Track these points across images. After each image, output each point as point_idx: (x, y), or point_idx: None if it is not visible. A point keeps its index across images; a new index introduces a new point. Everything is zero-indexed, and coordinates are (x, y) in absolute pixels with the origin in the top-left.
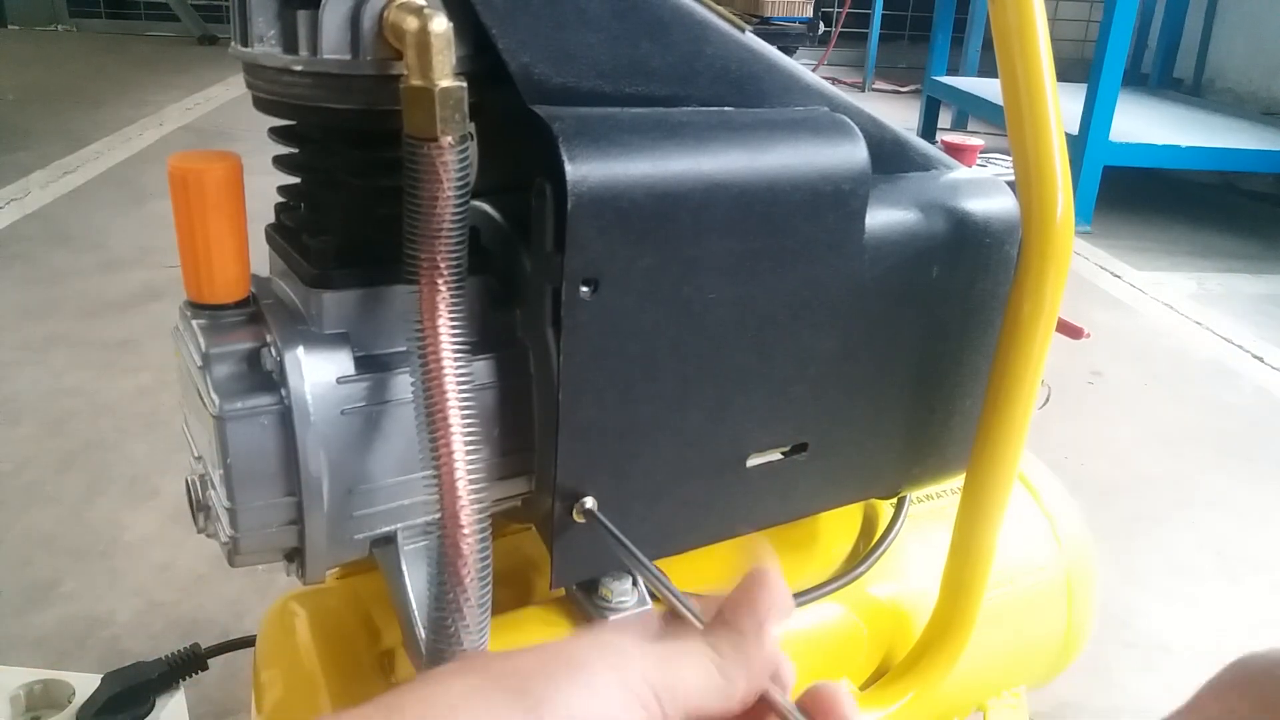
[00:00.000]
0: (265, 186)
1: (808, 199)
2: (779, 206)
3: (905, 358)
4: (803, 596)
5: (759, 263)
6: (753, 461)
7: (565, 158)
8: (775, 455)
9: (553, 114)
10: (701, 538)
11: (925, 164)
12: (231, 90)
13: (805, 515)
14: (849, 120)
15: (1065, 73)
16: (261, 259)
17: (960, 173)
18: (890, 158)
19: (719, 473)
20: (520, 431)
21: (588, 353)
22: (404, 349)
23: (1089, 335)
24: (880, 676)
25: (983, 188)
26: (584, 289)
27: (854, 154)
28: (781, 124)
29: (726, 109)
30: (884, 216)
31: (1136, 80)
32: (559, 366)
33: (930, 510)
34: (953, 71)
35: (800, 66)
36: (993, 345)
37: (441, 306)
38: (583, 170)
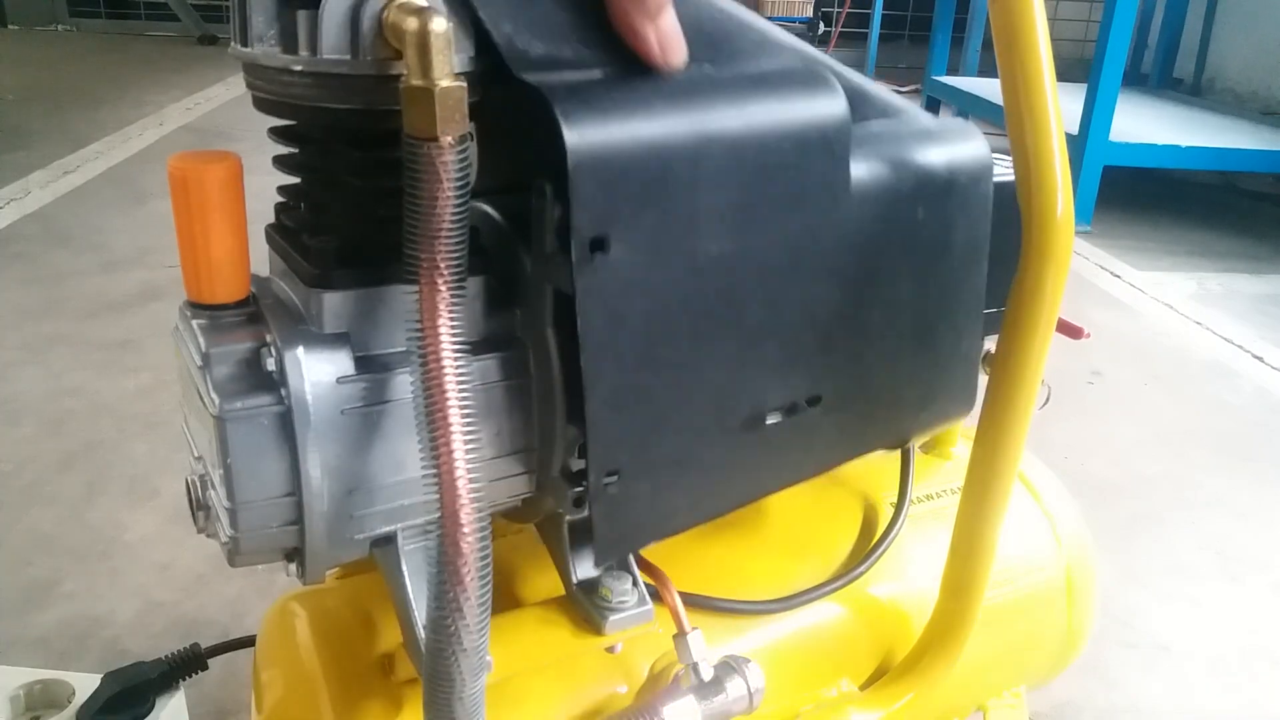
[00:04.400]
0: (265, 186)
1: (795, 147)
2: (769, 157)
3: (902, 301)
4: (803, 596)
5: (755, 213)
6: (772, 419)
7: (561, 118)
8: (793, 410)
9: (542, 80)
10: (730, 501)
11: (888, 110)
12: (231, 90)
13: (825, 469)
14: (825, 71)
15: (1065, 73)
16: (261, 259)
17: (927, 118)
18: (856, 106)
19: (741, 431)
20: (520, 431)
21: (604, 315)
22: (404, 349)
23: (1089, 335)
24: (880, 676)
25: (953, 130)
26: (594, 252)
27: (834, 103)
28: (763, 78)
29: (706, 66)
30: (866, 162)
31: (1136, 80)
32: (581, 330)
33: (930, 510)
34: (953, 71)
35: (768, 22)
36: (981, 284)
37: (441, 306)
38: (579, 130)
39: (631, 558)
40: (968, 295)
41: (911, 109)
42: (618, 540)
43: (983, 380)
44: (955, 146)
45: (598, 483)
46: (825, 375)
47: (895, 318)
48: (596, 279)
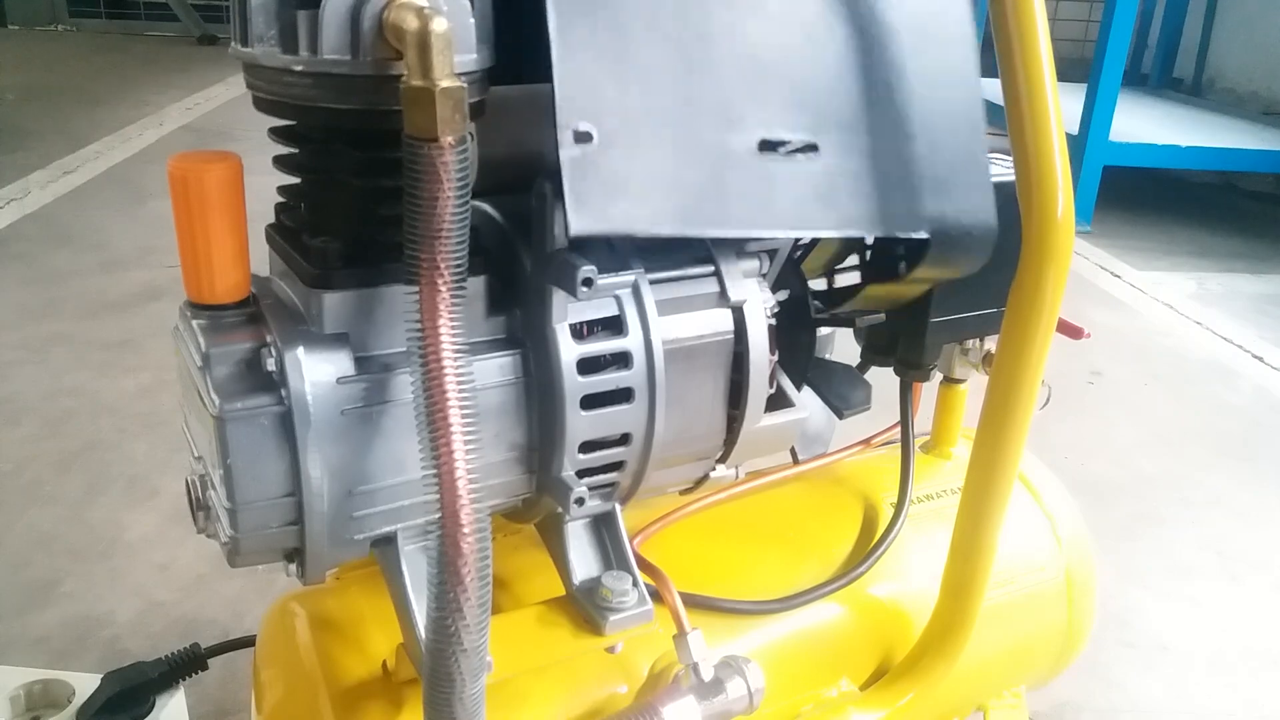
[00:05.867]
0: (265, 186)
1: None
2: None
3: (884, 71)
4: (803, 596)
5: None
6: (766, 151)
7: None
8: (781, 147)
9: None
10: (724, 219)
11: None
12: (231, 90)
13: (827, 227)
14: None
15: (1065, 73)
16: (261, 259)
17: None
18: None
19: (721, 134)
20: (520, 432)
21: None
22: (404, 349)
23: (1089, 335)
24: (880, 676)
25: None
26: None
27: None
28: None
29: None
30: None
31: (1136, 80)
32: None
33: (930, 510)
34: None
35: None
36: (974, 72)
37: (441, 307)
38: None
39: (631, 557)
40: (959, 77)
41: None
42: (589, 203)
43: (983, 380)
44: None
45: (567, 136)
46: (814, 120)
47: (879, 86)
48: None
